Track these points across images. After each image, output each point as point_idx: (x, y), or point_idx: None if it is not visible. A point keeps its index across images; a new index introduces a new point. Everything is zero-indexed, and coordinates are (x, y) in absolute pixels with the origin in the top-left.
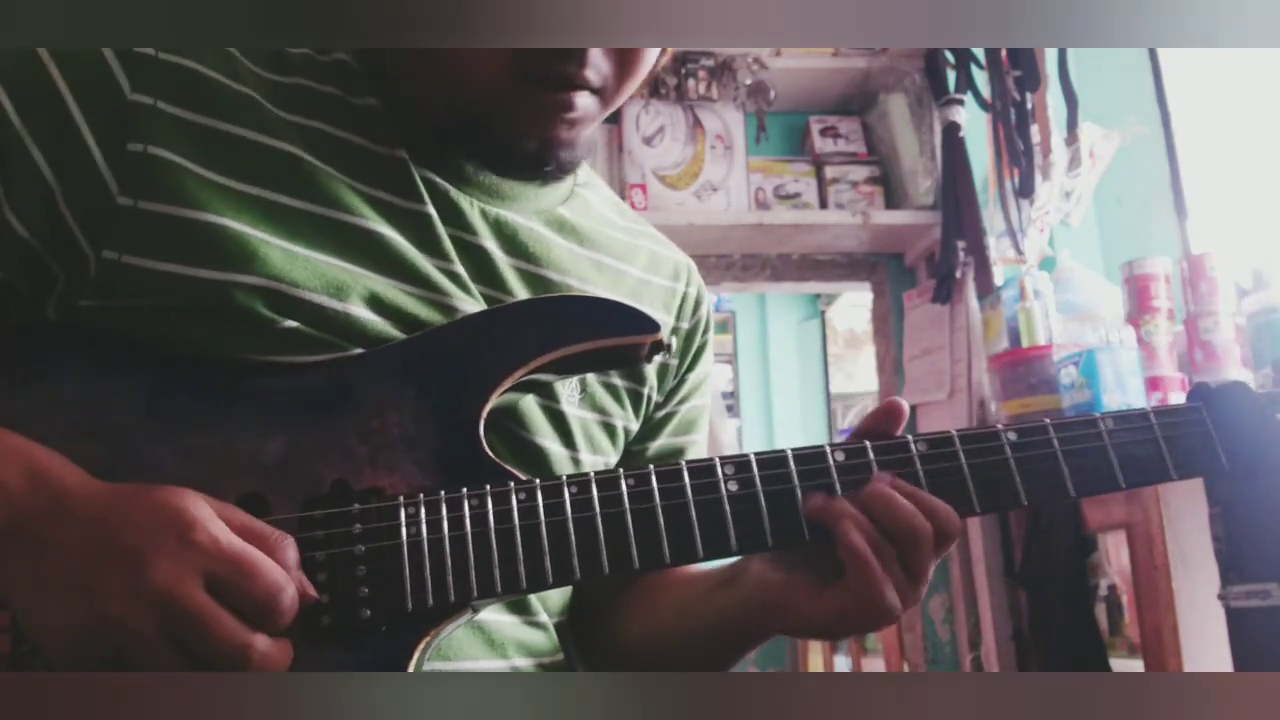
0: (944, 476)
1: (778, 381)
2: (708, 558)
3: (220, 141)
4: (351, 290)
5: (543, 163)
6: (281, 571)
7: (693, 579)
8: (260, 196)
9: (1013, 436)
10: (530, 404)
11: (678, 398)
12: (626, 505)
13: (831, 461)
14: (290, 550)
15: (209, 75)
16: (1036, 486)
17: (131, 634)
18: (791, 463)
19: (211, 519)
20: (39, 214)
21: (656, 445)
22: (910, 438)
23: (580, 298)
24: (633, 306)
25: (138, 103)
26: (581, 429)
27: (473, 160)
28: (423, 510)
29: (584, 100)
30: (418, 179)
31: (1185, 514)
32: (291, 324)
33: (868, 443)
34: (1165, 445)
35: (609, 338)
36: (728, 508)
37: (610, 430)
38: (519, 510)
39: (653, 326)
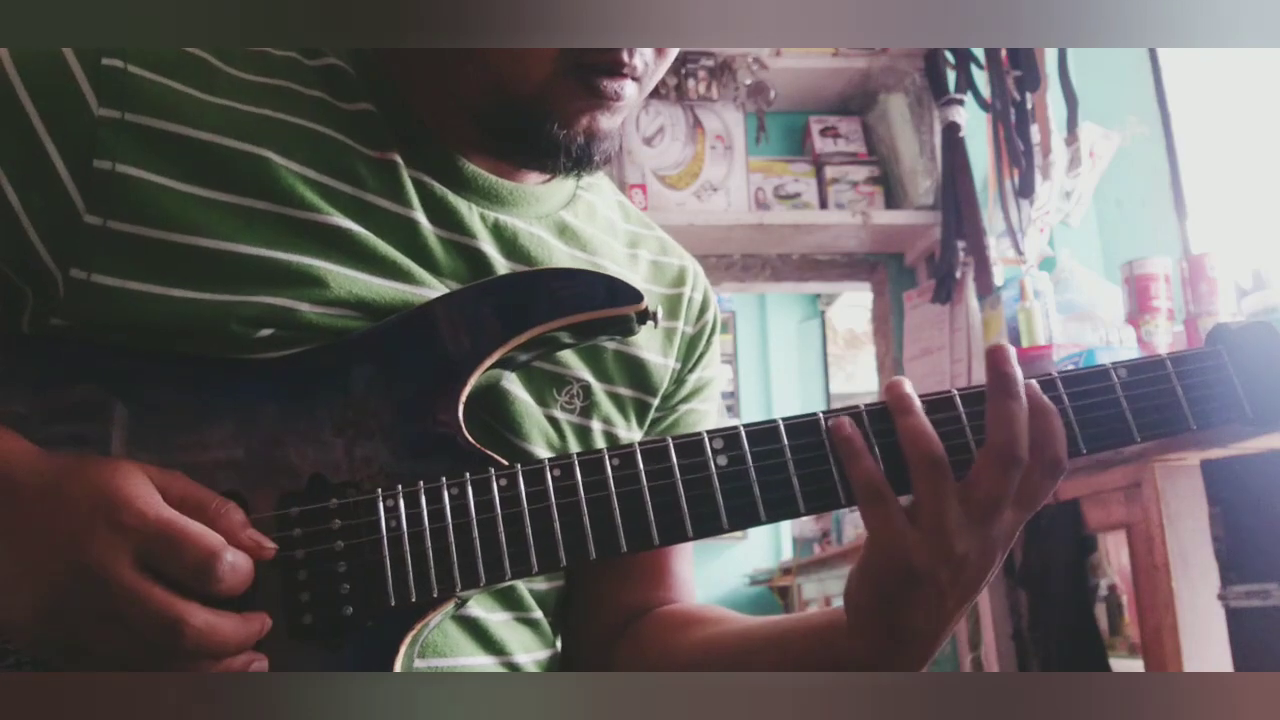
0: (946, 439)
1: (778, 381)
2: (697, 536)
3: (191, 149)
4: (330, 292)
5: (589, 154)
6: (215, 537)
7: (727, 625)
8: (233, 203)
9: None
10: (528, 412)
11: (677, 398)
12: (612, 488)
13: (824, 430)
14: (234, 514)
15: (179, 89)
16: None
17: (76, 616)
18: (784, 434)
19: (142, 495)
20: (2, 233)
21: None
22: None
23: (559, 271)
24: (614, 277)
25: (105, 118)
26: (579, 436)
27: (498, 158)
28: (402, 502)
29: (630, 89)
30: (408, 182)
31: (1185, 514)
32: (267, 332)
33: (862, 407)
34: (1184, 393)
35: (589, 311)
36: (717, 484)
37: (613, 440)
38: (500, 498)
39: (635, 297)
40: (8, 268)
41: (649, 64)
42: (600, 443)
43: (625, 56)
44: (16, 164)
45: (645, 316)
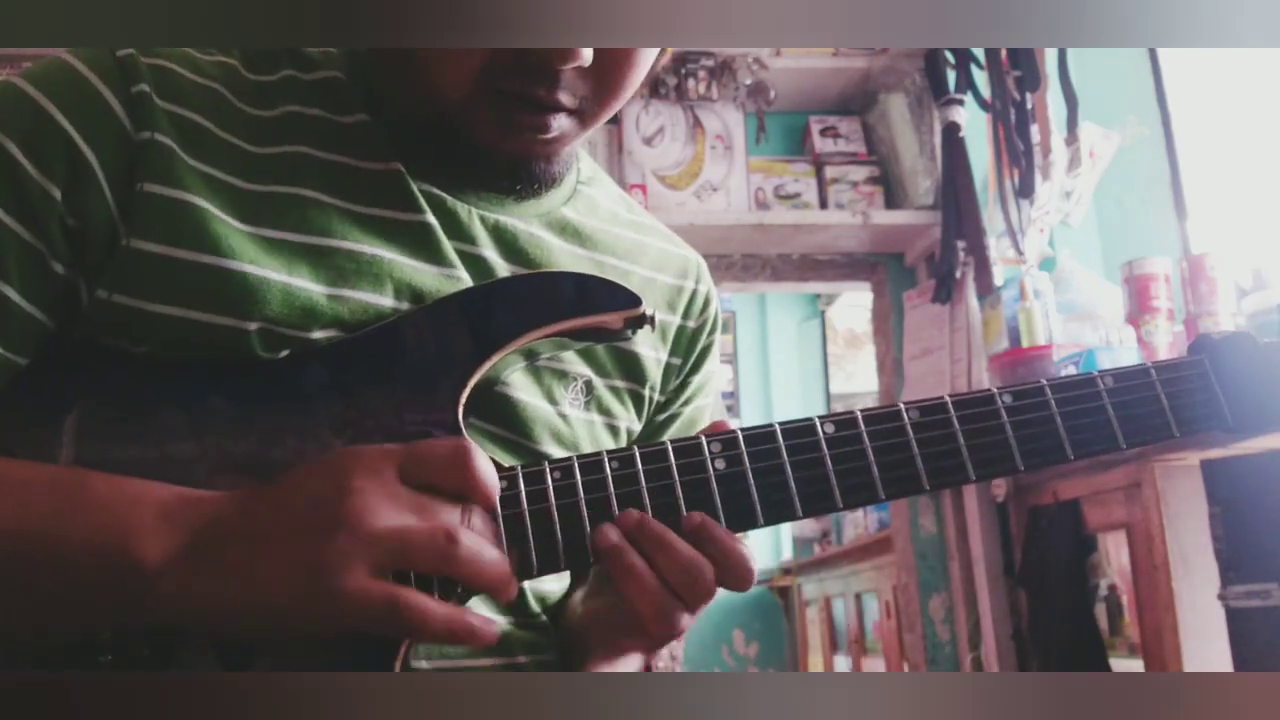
0: (937, 444)
1: (778, 381)
2: None
3: (212, 184)
4: (352, 320)
5: (516, 179)
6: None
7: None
8: (254, 234)
9: (1008, 399)
10: (533, 410)
11: (681, 399)
12: (611, 490)
13: (821, 434)
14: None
15: (200, 122)
16: (1033, 450)
17: (354, 566)
18: (780, 437)
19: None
20: (50, 287)
21: None
22: (902, 405)
23: (556, 274)
24: (611, 281)
25: (140, 140)
26: (588, 432)
27: (460, 169)
28: None
29: (559, 121)
30: (415, 190)
31: (1185, 514)
32: (286, 353)
33: (858, 412)
34: (1167, 401)
35: (586, 315)
36: (715, 487)
37: (615, 432)
38: (500, 499)
39: (633, 301)
40: (48, 317)
41: (583, 98)
42: (604, 435)
43: (545, 92)
44: (72, 191)
45: (641, 321)
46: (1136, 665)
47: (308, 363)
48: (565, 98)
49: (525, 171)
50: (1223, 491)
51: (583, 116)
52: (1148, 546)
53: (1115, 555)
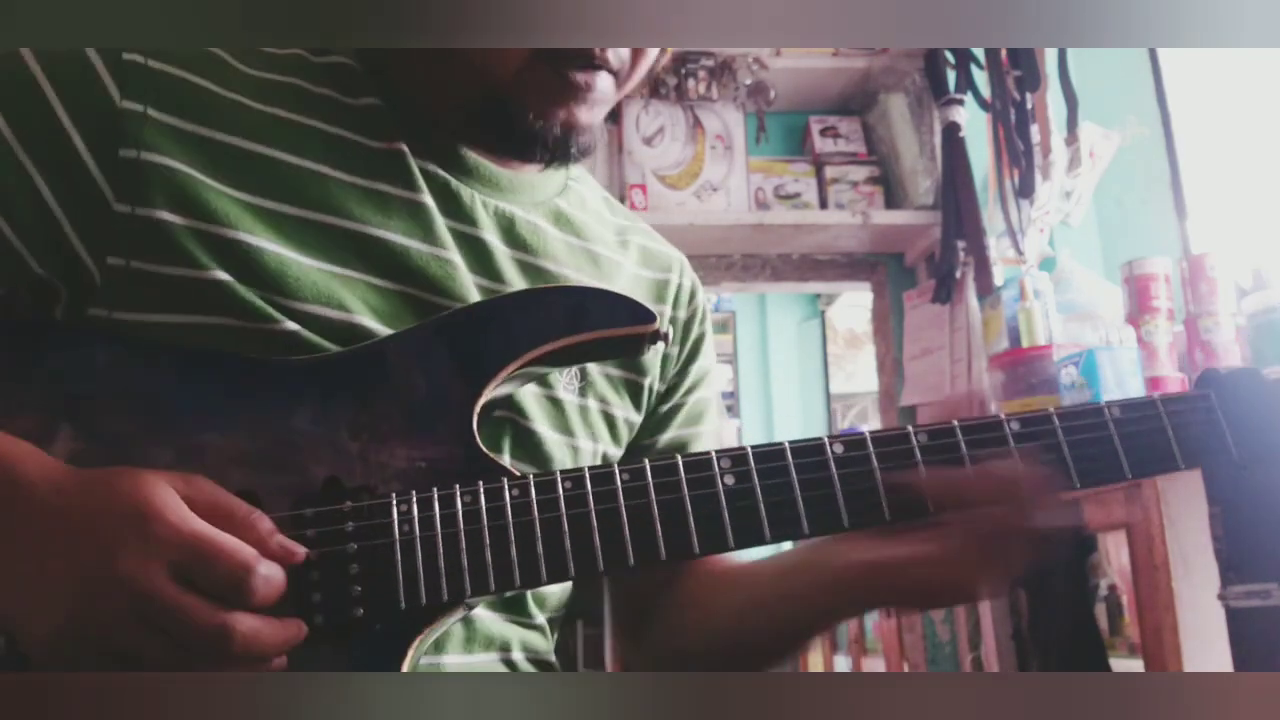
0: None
1: (778, 381)
2: (704, 553)
3: (211, 148)
4: (347, 298)
5: (566, 146)
6: (248, 551)
7: (753, 578)
8: (252, 203)
9: (1015, 426)
10: (527, 392)
11: (683, 389)
12: (621, 501)
13: (830, 454)
14: (261, 522)
15: (198, 83)
16: None
17: (115, 628)
18: (789, 455)
19: (171, 506)
20: (40, 231)
21: (666, 438)
22: (911, 428)
23: (574, 288)
24: (628, 297)
25: (128, 110)
26: (580, 416)
27: (488, 148)
28: (415, 507)
29: (603, 81)
30: (416, 169)
31: (1185, 514)
32: (292, 326)
33: (867, 433)
34: (1173, 434)
35: (604, 329)
36: (724, 502)
37: (610, 420)
38: (512, 506)
39: (649, 317)
40: (41, 263)
41: (624, 59)
42: (598, 421)
43: (597, 49)
44: (45, 157)
45: (656, 337)
46: (1136, 665)
47: (329, 364)
48: (611, 55)
49: (572, 141)
50: (1223, 491)
51: (619, 77)
52: (1148, 546)
53: (1115, 555)
